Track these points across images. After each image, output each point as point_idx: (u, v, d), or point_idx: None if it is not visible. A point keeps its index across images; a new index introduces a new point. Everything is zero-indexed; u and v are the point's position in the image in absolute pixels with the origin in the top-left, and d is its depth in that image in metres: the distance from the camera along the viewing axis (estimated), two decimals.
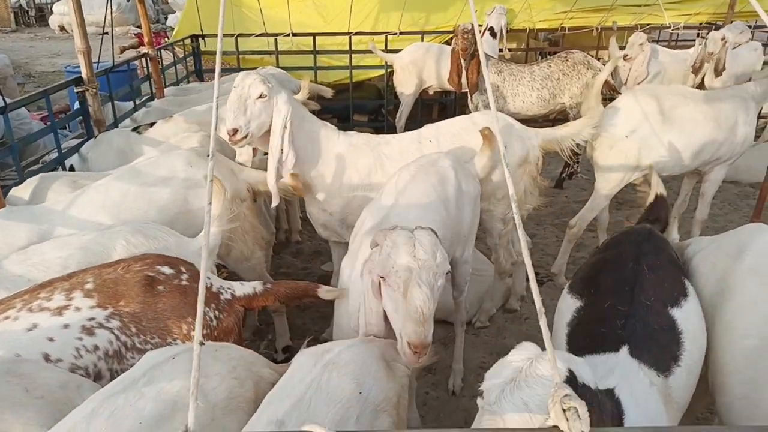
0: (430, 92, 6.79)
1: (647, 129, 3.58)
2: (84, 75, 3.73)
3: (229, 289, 2.10)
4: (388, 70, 6.98)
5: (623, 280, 1.90)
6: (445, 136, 3.28)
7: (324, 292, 2.14)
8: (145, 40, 5.01)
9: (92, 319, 1.84)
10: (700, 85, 5.84)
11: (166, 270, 1.97)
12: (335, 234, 3.27)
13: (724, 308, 1.92)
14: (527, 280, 3.97)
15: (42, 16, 20.40)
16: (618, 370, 1.56)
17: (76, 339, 1.80)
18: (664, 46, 7.53)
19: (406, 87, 6.68)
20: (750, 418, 1.67)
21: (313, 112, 3.45)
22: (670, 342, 1.74)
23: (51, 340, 1.77)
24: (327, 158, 3.07)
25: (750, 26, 8.13)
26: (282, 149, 2.83)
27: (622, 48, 6.08)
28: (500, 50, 6.58)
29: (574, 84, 5.52)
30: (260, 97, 2.74)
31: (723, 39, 5.85)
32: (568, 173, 5.97)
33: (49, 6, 19.22)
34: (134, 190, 2.67)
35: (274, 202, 2.86)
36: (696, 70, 6.10)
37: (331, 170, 3.09)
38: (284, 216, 4.92)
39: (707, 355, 1.90)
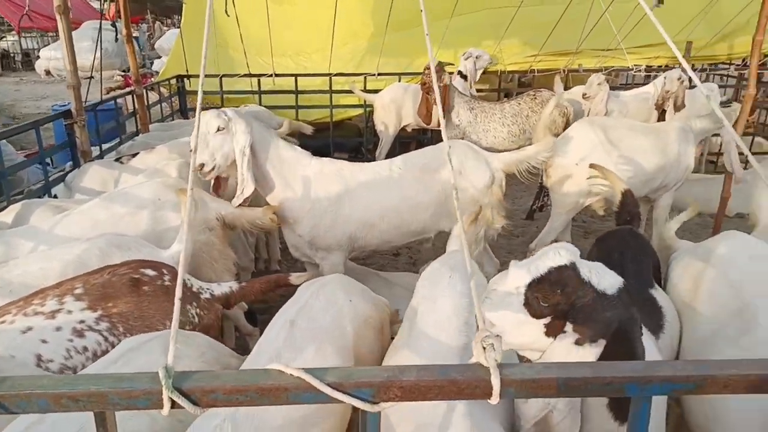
0: (409, 130, 7.09)
1: (596, 157, 3.85)
2: (73, 108, 3.91)
3: (208, 289, 2.26)
4: (368, 109, 7.30)
5: (611, 265, 2.15)
6: (415, 166, 3.50)
7: (295, 278, 2.31)
8: (132, 78, 5.23)
9: (82, 321, 1.97)
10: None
11: (150, 272, 2.12)
12: (305, 255, 3.42)
13: (692, 303, 2.12)
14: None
15: (28, 61, 20.72)
16: None
17: (67, 341, 1.92)
18: (628, 87, 8.00)
19: (386, 125, 6.99)
20: None
21: None
22: (654, 312, 2.06)
23: (44, 341, 1.89)
24: (296, 181, 3.23)
25: (706, 69, 8.70)
26: (243, 175, 3.02)
27: (567, 89, 6.53)
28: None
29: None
30: (218, 130, 2.96)
31: (680, 78, 6.28)
32: (539, 205, 6.22)
33: (35, 51, 19.57)
34: (111, 215, 2.83)
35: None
36: (659, 107, 6.50)
37: (300, 192, 3.24)
38: (263, 245, 5.05)
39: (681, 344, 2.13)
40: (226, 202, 3.12)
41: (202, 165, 2.98)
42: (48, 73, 17.98)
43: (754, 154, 6.96)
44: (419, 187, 3.40)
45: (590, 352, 1.38)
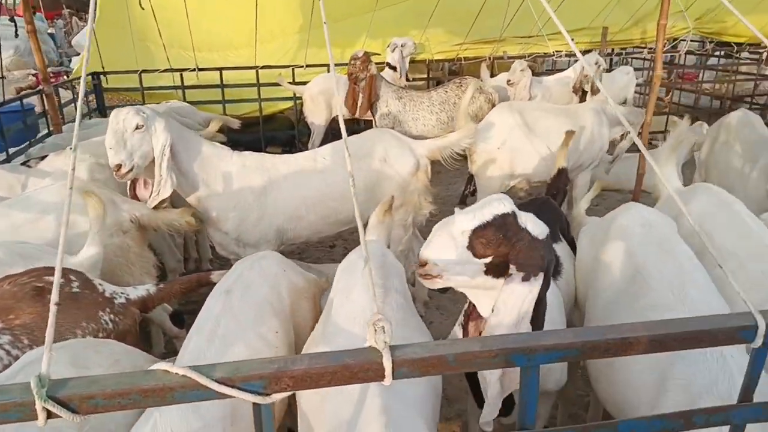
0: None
1: (516, 140, 3.97)
2: None
3: (122, 293, 2.17)
4: (299, 101, 7.19)
5: None
6: (339, 154, 3.48)
7: (216, 276, 2.26)
8: (40, 76, 4.92)
9: None
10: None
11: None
12: (233, 253, 3.34)
13: (596, 271, 2.21)
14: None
15: None
16: None
17: None
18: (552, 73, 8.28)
19: (316, 117, 6.91)
20: None
21: (225, 144, 3.56)
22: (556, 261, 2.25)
23: None
24: (219, 177, 3.15)
25: (622, 52, 9.12)
26: (161, 176, 2.90)
27: (493, 76, 6.71)
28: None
29: (470, 107, 5.95)
30: (137, 128, 2.80)
31: (596, 63, 6.56)
32: (471, 190, 6.35)
33: None
34: (12, 223, 2.65)
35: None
36: (576, 90, 6.77)
37: (223, 189, 3.16)
38: (193, 245, 4.90)
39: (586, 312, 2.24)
40: (141, 203, 3.00)
41: (119, 166, 2.79)
42: None
43: (668, 131, 7.34)
44: (345, 176, 3.39)
45: (535, 285, 1.62)
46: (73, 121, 5.50)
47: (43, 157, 3.71)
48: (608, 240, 2.13)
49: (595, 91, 6.54)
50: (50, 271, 2.05)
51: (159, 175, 2.91)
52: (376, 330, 0.99)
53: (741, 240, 2.05)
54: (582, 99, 6.44)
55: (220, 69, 6.91)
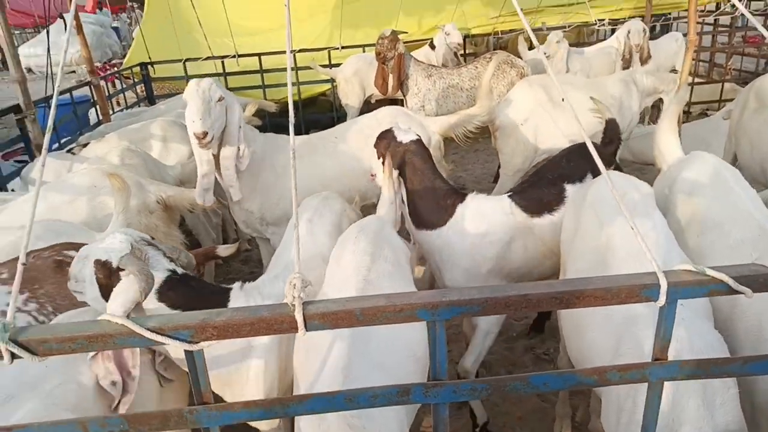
0: (373, 101, 7.13)
1: (539, 117, 3.90)
2: (21, 103, 4.00)
3: None
4: (334, 83, 7.34)
5: (550, 166, 2.86)
6: (351, 134, 3.59)
7: (222, 250, 2.42)
8: (87, 68, 5.29)
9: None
10: None
11: (73, 254, 2.23)
12: (256, 231, 3.52)
13: (573, 239, 2.22)
14: None
15: (4, 60, 20.56)
16: (496, 200, 2.66)
17: None
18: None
19: (350, 98, 7.03)
20: None
21: (261, 127, 3.77)
22: (553, 198, 2.61)
23: None
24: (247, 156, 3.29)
25: (670, 17, 8.64)
26: (239, 147, 3.07)
27: (530, 49, 6.52)
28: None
29: (500, 82, 5.86)
30: (220, 100, 2.92)
31: (644, 30, 6.28)
32: None
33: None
34: (50, 205, 2.89)
35: (236, 197, 3.25)
36: (627, 61, 6.49)
37: (250, 168, 3.31)
38: (232, 226, 5.17)
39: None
40: (166, 184, 3.22)
41: (206, 133, 2.83)
42: (29, 70, 17.91)
43: (724, 100, 6.95)
44: (355, 154, 3.50)
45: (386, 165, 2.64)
46: (124, 109, 5.83)
47: (85, 145, 4.03)
48: (585, 207, 2.13)
49: (644, 60, 6.27)
50: (69, 246, 2.29)
51: (238, 147, 3.05)
52: (291, 286, 1.11)
53: (727, 208, 1.99)
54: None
55: (259, 54, 7.13)
